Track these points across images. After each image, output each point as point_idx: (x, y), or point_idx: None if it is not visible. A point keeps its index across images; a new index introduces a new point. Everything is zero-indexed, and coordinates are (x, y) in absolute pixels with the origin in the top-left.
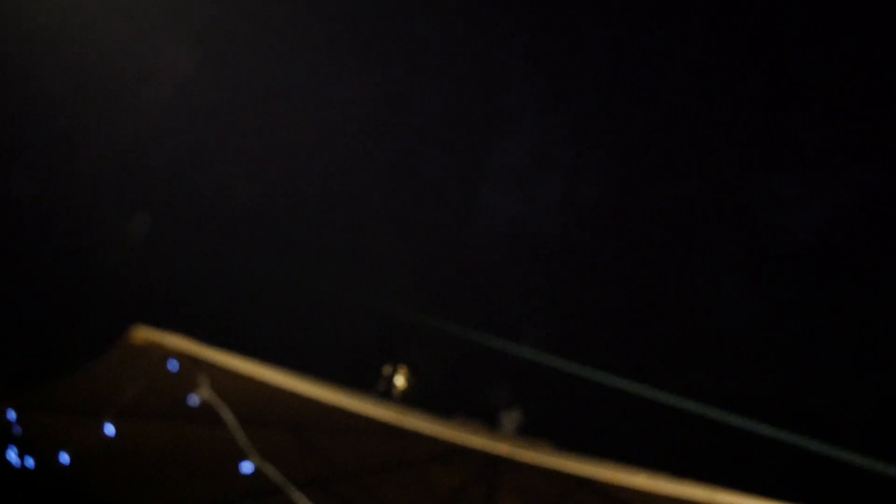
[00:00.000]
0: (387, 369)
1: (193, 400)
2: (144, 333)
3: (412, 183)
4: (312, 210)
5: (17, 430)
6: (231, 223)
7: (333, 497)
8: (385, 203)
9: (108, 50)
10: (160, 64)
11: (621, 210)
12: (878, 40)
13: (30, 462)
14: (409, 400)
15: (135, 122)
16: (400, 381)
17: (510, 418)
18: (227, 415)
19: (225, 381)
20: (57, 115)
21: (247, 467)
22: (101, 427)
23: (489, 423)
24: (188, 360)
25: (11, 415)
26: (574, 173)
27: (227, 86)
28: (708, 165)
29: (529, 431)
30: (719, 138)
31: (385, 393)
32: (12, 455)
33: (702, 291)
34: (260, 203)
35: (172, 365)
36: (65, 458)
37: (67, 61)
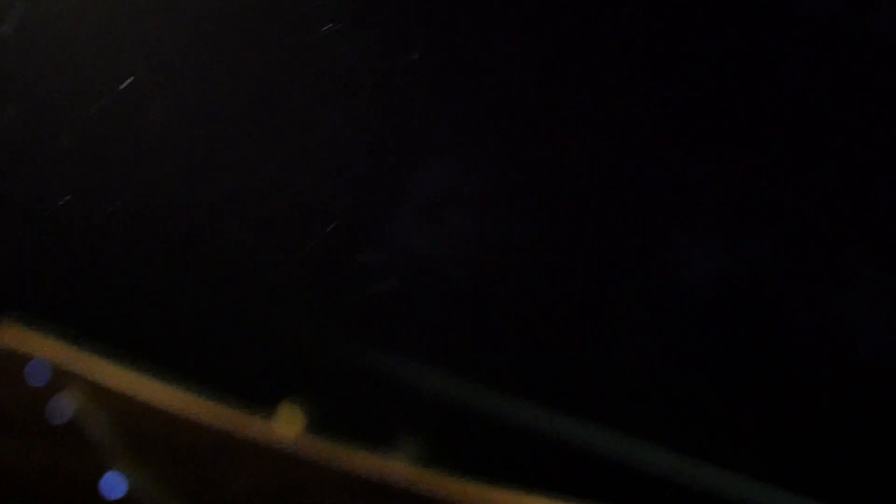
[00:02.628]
0: (286, 402)
1: (60, 415)
2: (14, 330)
3: (317, 214)
4: (217, 230)
5: None
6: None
7: None
8: (288, 231)
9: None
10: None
11: (528, 246)
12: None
13: None
14: (307, 429)
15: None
16: (298, 413)
17: (410, 446)
18: (97, 437)
19: (97, 398)
20: None
21: (110, 491)
22: None
23: (389, 451)
24: (57, 374)
25: None
26: (485, 206)
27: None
28: (614, 209)
29: (429, 459)
30: (627, 181)
31: (283, 421)
32: None
33: (606, 332)
34: (151, 209)
35: (40, 371)
36: None
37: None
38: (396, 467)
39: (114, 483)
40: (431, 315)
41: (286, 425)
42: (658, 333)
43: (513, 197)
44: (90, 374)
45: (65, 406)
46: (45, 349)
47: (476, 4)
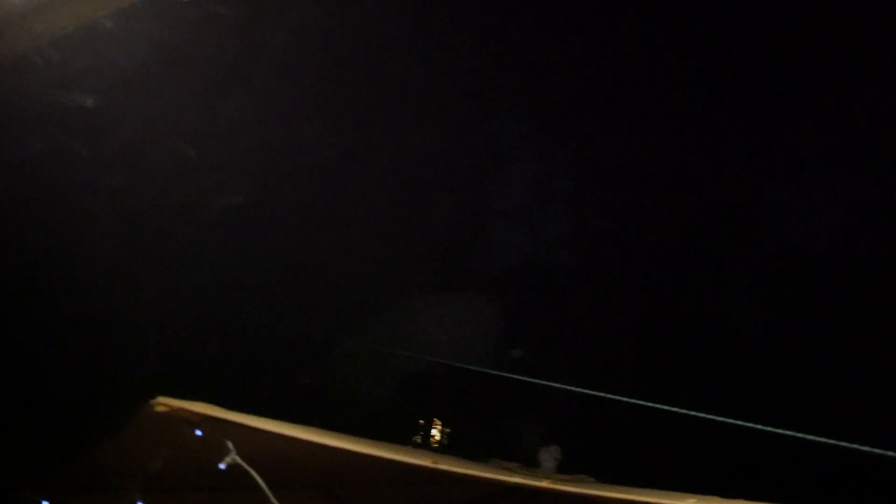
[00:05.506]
0: (420, 423)
1: (221, 466)
2: (165, 401)
3: (420, 228)
4: (326, 264)
5: None
6: (245, 288)
7: None
8: (397, 251)
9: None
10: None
11: (630, 235)
12: (876, 47)
13: None
14: (444, 449)
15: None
16: (435, 432)
17: (548, 455)
18: (257, 478)
19: (252, 443)
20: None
21: None
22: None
23: (528, 462)
24: (212, 425)
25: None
26: (579, 203)
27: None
28: (713, 182)
29: (569, 466)
30: (722, 154)
31: (420, 445)
32: None
33: (718, 307)
34: (275, 265)
35: (196, 432)
36: None
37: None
38: (535, 475)
39: None
40: (546, 315)
41: (423, 449)
42: (771, 303)
43: (611, 186)
44: (241, 424)
45: (227, 453)
46: (198, 410)
47: (554, 9)
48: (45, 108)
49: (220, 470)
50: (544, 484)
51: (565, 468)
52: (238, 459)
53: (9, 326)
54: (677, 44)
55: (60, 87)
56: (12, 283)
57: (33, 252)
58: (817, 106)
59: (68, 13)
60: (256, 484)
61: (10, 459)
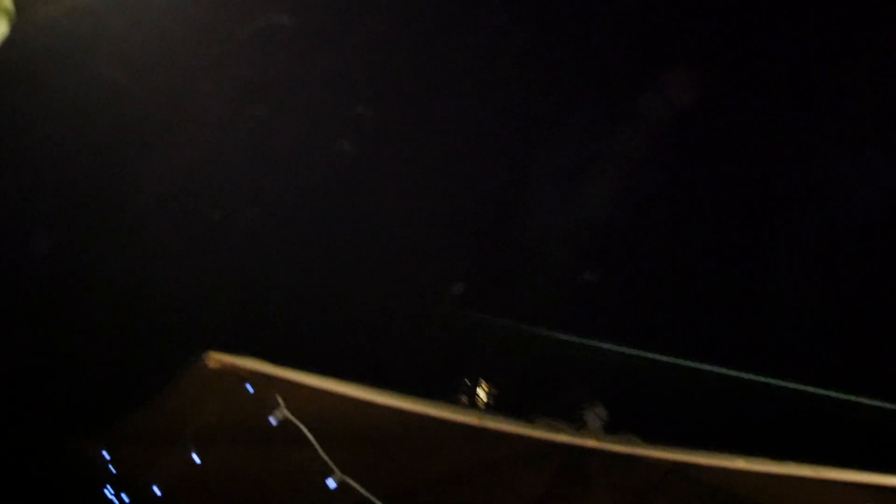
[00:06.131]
0: (465, 381)
1: (272, 421)
2: (218, 357)
3: (462, 191)
4: (369, 224)
5: (110, 467)
6: (289, 242)
7: None
8: (441, 212)
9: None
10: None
11: (681, 194)
12: None
13: (125, 498)
14: (490, 408)
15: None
16: (480, 390)
17: (594, 414)
18: (307, 433)
19: (301, 399)
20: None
21: (331, 484)
22: (186, 456)
23: (573, 421)
24: (263, 381)
25: (104, 453)
26: (626, 163)
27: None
28: (767, 145)
29: (614, 426)
30: (776, 116)
31: (466, 403)
32: (108, 492)
33: (771, 269)
34: (318, 220)
35: (247, 387)
36: (156, 490)
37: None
38: (581, 434)
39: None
40: (595, 275)
41: (470, 405)
42: (828, 267)
43: (657, 144)
44: (291, 381)
45: (277, 408)
46: (249, 365)
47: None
48: (81, 83)
49: (270, 425)
50: (591, 443)
51: (611, 428)
52: (288, 414)
53: (68, 286)
54: (724, 6)
55: (94, 58)
56: (68, 249)
57: (84, 220)
58: (874, 69)
59: None
60: (306, 438)
61: (73, 413)
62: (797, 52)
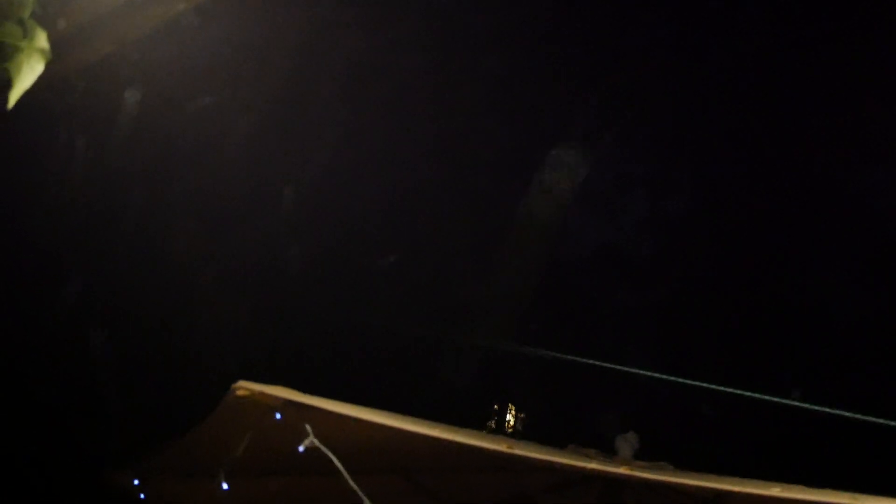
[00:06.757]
0: (495, 408)
1: (300, 449)
2: (247, 386)
3: (495, 216)
4: (401, 254)
5: (142, 496)
6: (318, 274)
7: None
8: (474, 240)
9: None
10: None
11: (714, 218)
12: None
13: None
14: (519, 435)
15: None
16: (509, 417)
17: (626, 442)
18: (336, 462)
19: (331, 427)
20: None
21: None
22: (217, 487)
23: (605, 450)
24: (292, 409)
25: (136, 483)
26: (659, 188)
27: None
28: (801, 164)
29: (647, 453)
30: (810, 134)
31: (495, 430)
32: None
33: (807, 292)
34: (348, 253)
35: (276, 415)
36: None
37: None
38: (613, 463)
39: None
40: (627, 302)
41: (500, 435)
42: (868, 286)
43: (692, 168)
44: (320, 409)
45: (306, 437)
46: (278, 394)
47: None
48: (128, 109)
49: (300, 454)
50: (622, 470)
51: (642, 455)
52: (317, 443)
53: (104, 314)
54: (758, 22)
55: (142, 86)
56: (104, 282)
57: (123, 241)
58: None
59: (152, 12)
60: (336, 468)
61: (107, 444)
62: (843, 70)
